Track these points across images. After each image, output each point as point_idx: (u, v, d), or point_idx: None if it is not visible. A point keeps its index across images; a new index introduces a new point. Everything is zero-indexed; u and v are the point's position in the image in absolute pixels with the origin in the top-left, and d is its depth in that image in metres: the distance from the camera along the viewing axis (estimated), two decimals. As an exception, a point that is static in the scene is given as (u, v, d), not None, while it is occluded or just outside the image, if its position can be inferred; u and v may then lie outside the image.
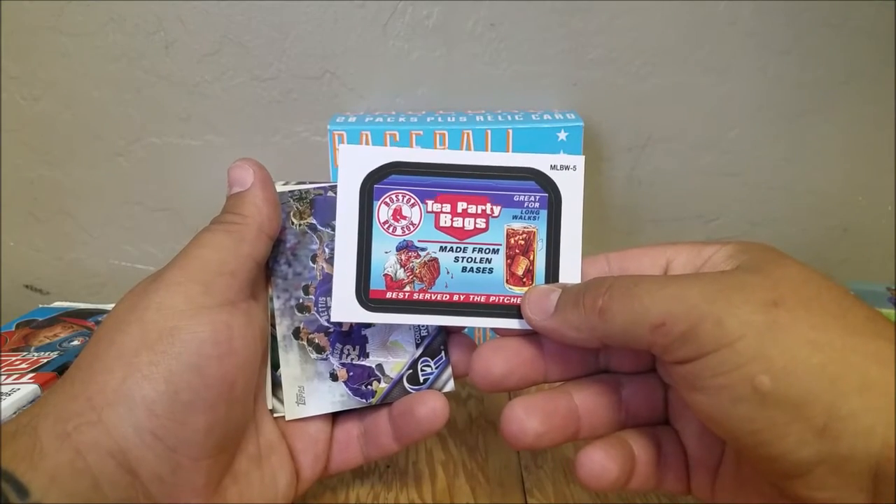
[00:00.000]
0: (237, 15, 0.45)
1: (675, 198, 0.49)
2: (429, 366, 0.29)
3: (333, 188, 0.29)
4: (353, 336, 0.29)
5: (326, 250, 0.29)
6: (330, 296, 0.28)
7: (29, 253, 0.52)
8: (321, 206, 0.29)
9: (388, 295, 0.27)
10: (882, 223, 0.50)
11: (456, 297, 0.27)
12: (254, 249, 0.26)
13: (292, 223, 0.29)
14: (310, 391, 0.28)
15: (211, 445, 0.23)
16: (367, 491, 0.32)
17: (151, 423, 0.21)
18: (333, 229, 0.29)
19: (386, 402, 0.28)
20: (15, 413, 0.33)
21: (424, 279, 0.27)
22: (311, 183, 0.29)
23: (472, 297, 0.27)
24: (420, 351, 0.29)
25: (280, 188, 0.29)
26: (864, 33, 0.45)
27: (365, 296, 0.27)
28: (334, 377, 0.28)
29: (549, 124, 0.41)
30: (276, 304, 0.29)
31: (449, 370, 0.29)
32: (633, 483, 0.25)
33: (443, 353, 0.29)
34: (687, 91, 0.46)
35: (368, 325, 0.29)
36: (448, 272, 0.27)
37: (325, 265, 0.29)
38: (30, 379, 0.36)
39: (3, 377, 0.36)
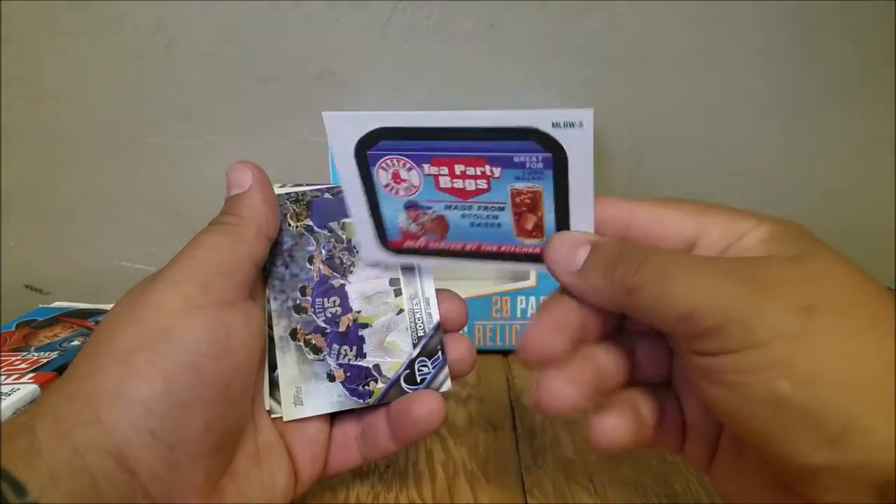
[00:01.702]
0: (237, 15, 0.44)
1: (676, 198, 0.49)
2: (426, 366, 0.29)
3: (330, 190, 0.29)
4: (349, 336, 0.29)
5: (323, 252, 0.29)
6: (327, 296, 0.28)
7: (29, 253, 0.52)
8: (318, 207, 0.29)
9: (407, 244, 0.27)
10: (882, 223, 0.50)
11: (468, 247, 0.27)
12: (252, 251, 0.26)
13: (289, 225, 0.29)
14: (307, 392, 0.28)
15: (209, 444, 0.23)
16: (367, 491, 0.32)
17: (149, 421, 0.21)
18: (330, 231, 0.29)
19: (383, 402, 0.28)
20: (14, 413, 0.33)
21: (436, 233, 0.27)
22: (307, 185, 0.29)
23: (483, 246, 0.27)
24: (417, 351, 0.29)
25: (277, 190, 0.29)
26: (864, 33, 0.45)
27: (386, 245, 0.27)
28: (331, 378, 0.28)
29: (549, 124, 0.41)
30: (273, 305, 0.29)
31: (446, 370, 0.29)
32: (636, 442, 0.25)
33: (440, 354, 0.29)
34: (687, 91, 0.46)
35: (365, 326, 0.29)
36: (457, 227, 0.27)
37: (321, 266, 0.29)
38: (30, 379, 0.36)
39: (3, 377, 0.36)
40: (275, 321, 0.28)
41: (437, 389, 0.29)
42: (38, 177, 0.50)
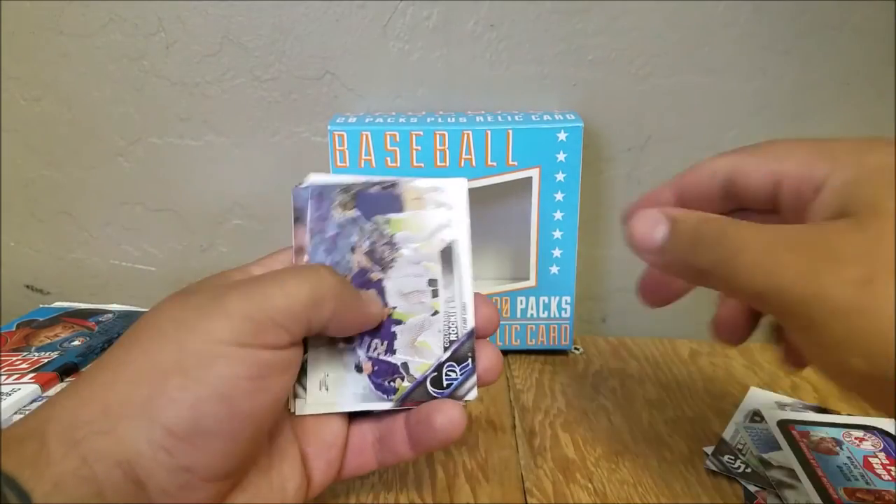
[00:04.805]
0: (237, 15, 0.45)
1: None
2: (454, 371, 0.28)
3: (381, 183, 0.29)
4: (382, 331, 0.29)
5: (366, 244, 0.29)
6: (364, 289, 0.28)
7: (29, 253, 0.52)
8: (365, 199, 0.29)
9: None
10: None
11: None
12: (324, 326, 0.25)
13: (335, 213, 0.29)
14: (334, 379, 0.28)
15: (226, 469, 0.23)
16: (367, 491, 0.32)
17: (168, 442, 0.21)
18: (375, 225, 0.29)
19: (407, 402, 0.28)
20: (15, 413, 0.33)
21: None
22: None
23: None
24: (447, 355, 0.28)
25: (326, 178, 0.29)
26: (864, 33, 0.45)
27: None
28: (359, 369, 0.28)
29: (548, 125, 0.41)
30: None
31: (473, 378, 0.28)
32: None
33: (470, 361, 0.28)
34: (687, 91, 0.46)
35: (399, 322, 0.29)
36: None
37: (362, 258, 0.29)
38: (30, 379, 0.36)
39: (4, 377, 0.36)
40: None
41: (462, 397, 0.28)
42: (38, 176, 0.50)
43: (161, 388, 0.21)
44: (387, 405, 0.28)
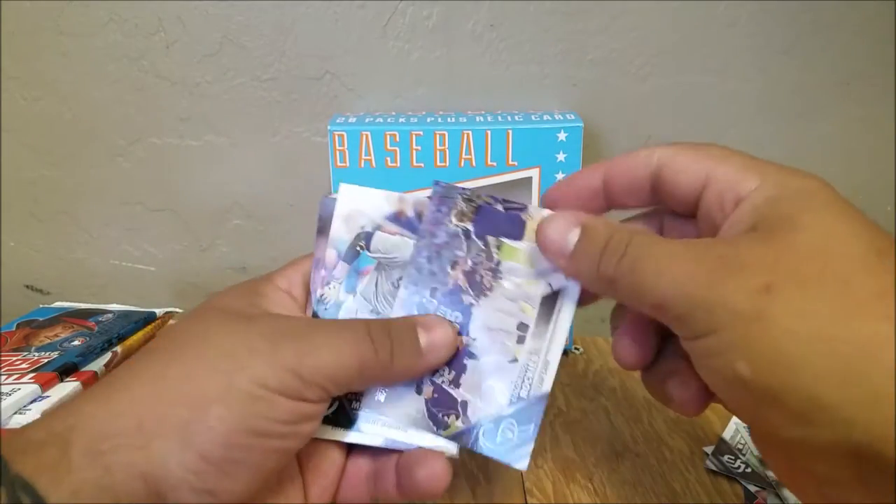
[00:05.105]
0: (237, 15, 0.45)
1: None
2: (512, 431, 0.26)
3: (505, 203, 0.27)
4: (455, 360, 0.26)
5: (469, 262, 0.27)
6: (451, 309, 0.26)
7: (29, 253, 0.52)
8: (484, 215, 0.27)
9: None
10: (882, 223, 0.50)
11: None
12: (377, 382, 0.26)
13: (450, 221, 0.27)
14: (392, 392, 0.27)
15: (246, 495, 0.23)
16: (367, 491, 0.32)
17: (198, 466, 0.21)
18: (485, 245, 0.27)
19: (457, 442, 0.26)
20: (15, 413, 0.33)
21: None
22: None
23: None
24: (511, 411, 0.26)
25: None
26: (864, 33, 0.45)
27: None
28: (419, 391, 0.26)
29: (548, 125, 0.41)
30: (402, 293, 0.27)
31: (530, 446, 0.25)
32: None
33: (532, 427, 0.26)
34: (687, 91, 0.46)
35: (473, 357, 0.26)
36: None
37: (460, 276, 0.27)
38: (30, 379, 0.36)
39: (4, 377, 0.36)
40: (396, 308, 0.27)
41: (510, 463, 0.25)
42: (38, 176, 0.50)
43: (201, 415, 0.21)
44: (432, 438, 0.26)
